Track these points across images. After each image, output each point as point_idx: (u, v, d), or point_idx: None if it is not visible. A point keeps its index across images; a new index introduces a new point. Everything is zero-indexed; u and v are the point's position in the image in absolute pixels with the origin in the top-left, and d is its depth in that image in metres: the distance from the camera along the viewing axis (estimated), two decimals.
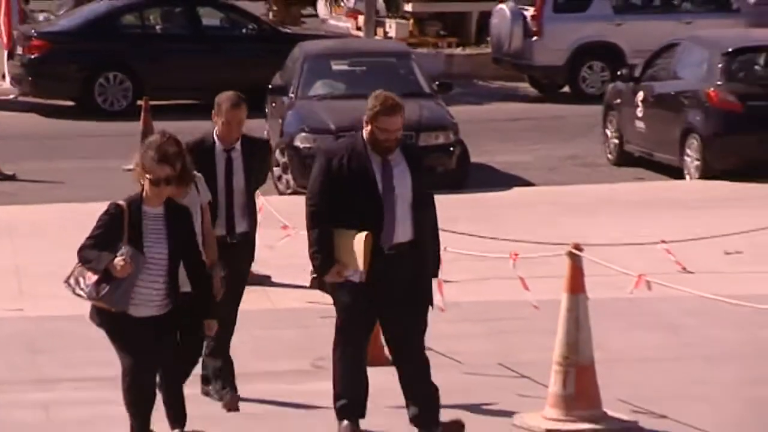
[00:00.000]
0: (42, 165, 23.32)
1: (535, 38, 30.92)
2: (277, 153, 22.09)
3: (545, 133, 26.55)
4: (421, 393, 9.99)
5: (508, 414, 10.63)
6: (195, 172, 10.12)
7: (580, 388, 10.27)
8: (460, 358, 10.10)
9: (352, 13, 36.56)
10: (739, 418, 10.13)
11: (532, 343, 11.50)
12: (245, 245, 11.22)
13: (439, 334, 11.30)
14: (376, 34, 34.74)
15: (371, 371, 10.25)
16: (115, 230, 9.41)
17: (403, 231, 9.90)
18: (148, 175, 9.35)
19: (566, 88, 30.78)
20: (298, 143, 21.68)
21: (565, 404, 10.22)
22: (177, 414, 9.84)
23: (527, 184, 21.99)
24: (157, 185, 9.34)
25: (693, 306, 12.26)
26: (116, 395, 10.33)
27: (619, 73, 25.24)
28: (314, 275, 10.24)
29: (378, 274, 9.76)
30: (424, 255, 10.00)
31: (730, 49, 22.61)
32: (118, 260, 9.22)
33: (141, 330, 9.46)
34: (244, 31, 30.11)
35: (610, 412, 10.35)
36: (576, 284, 10.31)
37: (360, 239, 9.65)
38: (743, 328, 11.84)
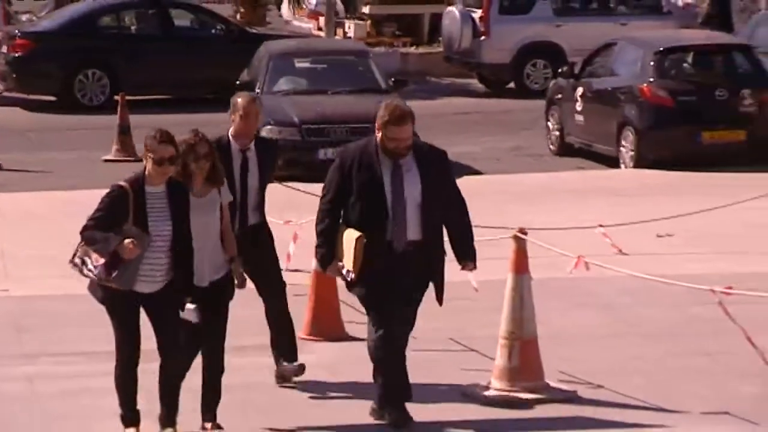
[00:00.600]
0: (26, 156, 23.19)
1: (482, 38, 30.98)
2: None
3: (492, 126, 26.57)
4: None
5: (458, 385, 10.66)
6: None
7: (524, 361, 10.32)
8: (415, 335, 10.08)
9: (314, 15, 36.60)
10: (669, 388, 10.18)
11: (480, 320, 11.53)
12: (260, 233, 10.87)
13: None
14: (336, 34, 34.81)
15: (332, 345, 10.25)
16: (118, 210, 9.10)
17: (411, 232, 9.68)
18: (150, 155, 9.14)
19: (512, 85, 30.82)
20: (264, 135, 21.64)
21: (510, 376, 10.28)
22: (208, 406, 9.69)
23: (476, 172, 21.97)
24: (160, 164, 9.11)
25: (628, 285, 12.28)
26: (98, 369, 10.34)
27: (560, 70, 25.29)
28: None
29: (387, 271, 9.59)
30: (430, 254, 9.80)
31: (661, 49, 22.72)
32: (127, 243, 8.94)
33: (138, 308, 9.25)
34: (213, 31, 30.14)
35: (551, 383, 10.42)
36: (520, 265, 10.37)
37: (351, 240, 9.56)
38: (675, 305, 11.89)
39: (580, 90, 23.16)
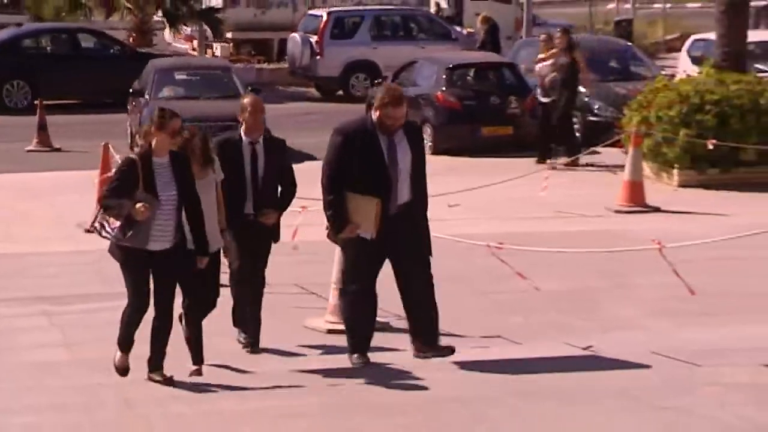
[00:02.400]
0: None
1: (318, 57, 31.15)
2: (137, 138, 22.04)
3: (326, 124, 26.11)
4: (426, 315, 9.13)
5: (301, 319, 10.69)
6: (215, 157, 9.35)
7: None
8: (268, 281, 10.07)
9: (189, 38, 36.80)
10: (458, 319, 10.23)
11: (320, 271, 11.52)
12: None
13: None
14: (206, 53, 34.91)
15: None
16: (130, 180, 8.40)
17: (402, 195, 8.95)
18: (162, 130, 8.49)
19: (340, 92, 30.98)
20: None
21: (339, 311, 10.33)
22: (197, 352, 9.09)
23: (314, 159, 22.08)
24: (173, 136, 8.56)
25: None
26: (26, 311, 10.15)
27: (376, 81, 25.49)
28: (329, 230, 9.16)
29: (384, 230, 8.82)
30: (418, 212, 9.09)
31: (450, 65, 23.00)
32: (139, 206, 8.27)
33: (152, 264, 8.54)
34: (111, 51, 29.91)
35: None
36: None
37: (372, 205, 8.78)
38: (462, 257, 12.02)
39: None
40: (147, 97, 22.49)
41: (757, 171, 17.29)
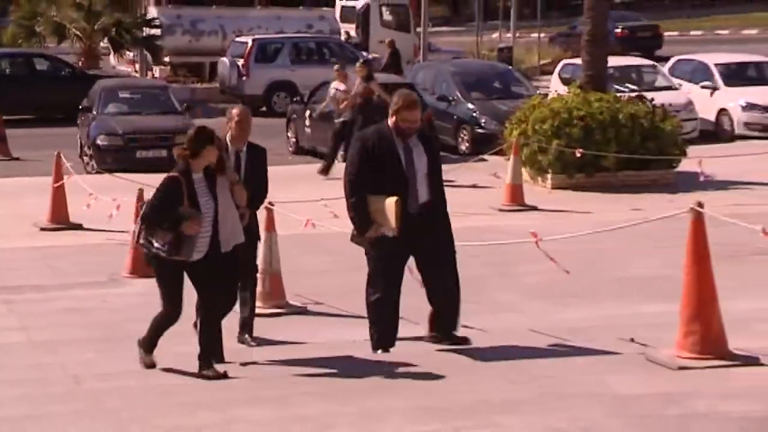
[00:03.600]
0: None
1: (244, 78, 31.34)
2: (86, 148, 21.94)
3: (257, 136, 26.36)
4: (449, 309, 8.58)
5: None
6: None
7: (273, 287, 10.32)
8: None
9: (131, 62, 36.62)
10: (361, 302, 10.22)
11: None
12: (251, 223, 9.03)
13: None
14: (146, 75, 34.76)
15: None
16: (174, 196, 7.80)
17: (422, 195, 8.32)
18: (213, 145, 7.96)
19: (264, 109, 30.90)
20: (98, 142, 21.46)
21: (264, 298, 10.27)
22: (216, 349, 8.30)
23: None
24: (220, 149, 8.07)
25: (338, 238, 12.36)
26: None
27: (294, 99, 25.59)
28: (354, 233, 8.48)
29: (408, 229, 8.13)
30: (439, 210, 8.44)
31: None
32: (191, 222, 7.72)
33: (189, 272, 7.96)
34: (63, 73, 29.89)
35: (290, 302, 10.43)
36: (270, 225, 10.39)
37: (392, 204, 8.09)
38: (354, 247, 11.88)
39: (307, 112, 23.35)
40: (94, 112, 22.55)
41: (615, 175, 17.60)
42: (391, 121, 8.38)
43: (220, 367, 7.97)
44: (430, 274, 8.44)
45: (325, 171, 19.35)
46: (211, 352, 8.05)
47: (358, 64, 20.51)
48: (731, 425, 6.10)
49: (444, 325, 8.60)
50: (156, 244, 7.81)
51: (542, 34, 42.70)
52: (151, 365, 8.16)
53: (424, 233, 8.28)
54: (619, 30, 41.15)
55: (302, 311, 10.32)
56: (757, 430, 6.00)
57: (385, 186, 8.18)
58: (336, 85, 20.18)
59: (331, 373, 7.89)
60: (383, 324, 8.41)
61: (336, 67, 21.63)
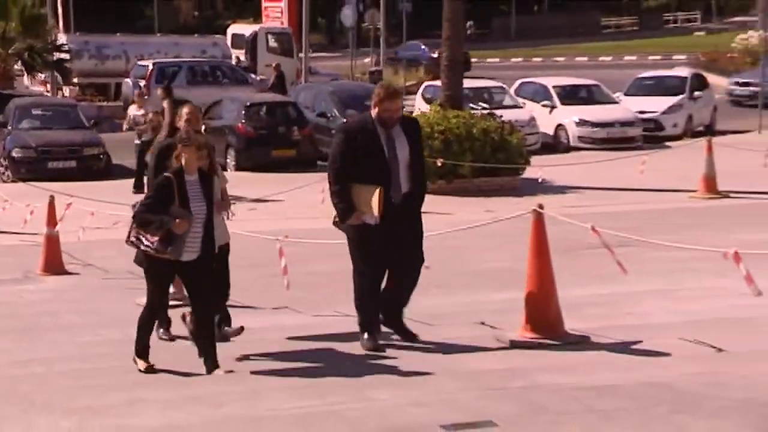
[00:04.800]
0: None
1: (146, 97, 30.81)
2: (2, 159, 21.45)
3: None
4: (410, 287, 7.95)
5: (133, 297, 10.27)
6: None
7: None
8: (109, 269, 9.77)
9: (43, 83, 36.13)
10: (252, 294, 10.13)
11: None
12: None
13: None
14: (57, 94, 34.31)
15: None
16: (166, 196, 7.16)
17: (404, 185, 7.68)
18: (192, 146, 7.26)
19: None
20: (13, 154, 21.13)
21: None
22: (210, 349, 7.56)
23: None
24: (198, 149, 7.29)
25: (241, 238, 12.23)
26: None
27: None
28: (336, 219, 7.81)
29: (388, 217, 7.52)
30: (416, 200, 7.79)
31: (248, 103, 23.00)
32: (180, 222, 7.07)
33: (180, 273, 7.38)
34: None
35: None
36: None
37: (375, 193, 7.48)
38: (258, 248, 11.62)
39: (203, 127, 23.11)
40: (9, 127, 22.21)
41: (470, 182, 17.85)
42: (373, 112, 7.71)
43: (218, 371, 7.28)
44: (403, 253, 7.78)
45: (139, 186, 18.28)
46: (213, 353, 7.33)
47: (159, 89, 19.75)
48: (565, 395, 6.24)
49: (394, 310, 7.96)
50: (145, 242, 7.24)
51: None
52: (150, 369, 7.40)
53: (405, 219, 7.70)
54: (435, 54, 42.30)
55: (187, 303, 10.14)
56: (587, 398, 6.15)
57: (368, 176, 7.55)
58: (135, 110, 19.74)
59: (230, 358, 7.78)
60: (367, 307, 7.80)
61: (136, 92, 21.56)
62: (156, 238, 7.16)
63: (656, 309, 9.08)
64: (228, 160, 21.99)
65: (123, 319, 9.53)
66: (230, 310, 8.52)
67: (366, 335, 7.81)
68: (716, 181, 16.70)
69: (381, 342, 7.81)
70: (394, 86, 8.06)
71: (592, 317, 8.68)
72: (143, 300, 10.02)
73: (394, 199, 7.61)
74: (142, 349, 7.48)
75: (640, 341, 7.69)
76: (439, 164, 16.97)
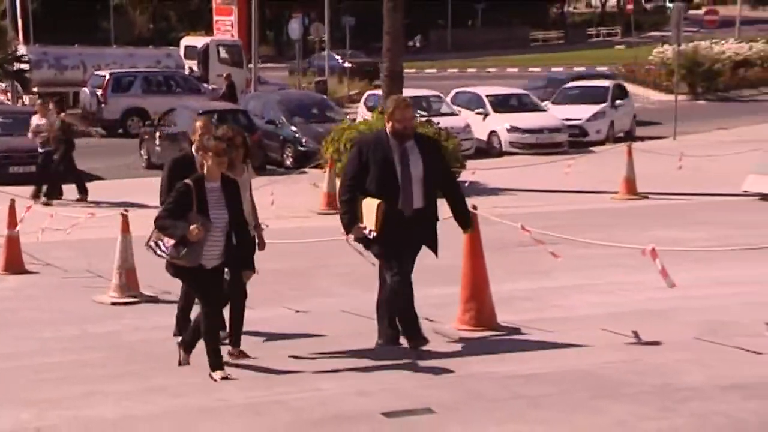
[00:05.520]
0: None
1: (103, 105, 30.68)
2: None
3: (110, 154, 25.78)
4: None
5: (90, 294, 10.27)
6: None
7: (128, 280, 10.10)
8: (67, 268, 9.63)
9: (4, 91, 35.65)
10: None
11: (108, 258, 11.09)
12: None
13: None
14: (17, 102, 33.90)
15: None
16: (185, 203, 6.64)
17: (416, 200, 7.14)
18: (210, 153, 6.73)
19: (120, 131, 30.22)
20: None
21: (121, 289, 10.04)
22: (236, 337, 7.40)
23: (101, 179, 21.45)
24: (218, 155, 6.72)
25: None
26: None
27: (146, 123, 25.07)
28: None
29: (399, 232, 7.06)
30: (431, 217, 7.26)
31: (201, 111, 22.68)
32: (193, 228, 6.55)
33: (210, 277, 6.76)
34: None
35: (144, 292, 10.16)
36: (125, 228, 10.12)
37: (373, 206, 7.06)
38: None
39: (158, 133, 22.92)
40: None
41: None
42: (387, 126, 7.25)
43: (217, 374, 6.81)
44: (405, 270, 7.29)
45: (36, 195, 17.87)
46: (219, 353, 6.85)
47: (51, 102, 19.35)
48: (497, 383, 6.29)
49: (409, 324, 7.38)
50: (162, 247, 6.75)
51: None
52: (186, 364, 7.02)
53: (417, 235, 7.21)
54: (347, 64, 43.08)
55: (154, 300, 10.10)
56: (516, 385, 6.20)
57: (378, 189, 7.10)
58: (37, 120, 19.14)
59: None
60: (406, 309, 7.29)
61: (37, 102, 21.30)
62: (171, 243, 6.71)
63: (581, 302, 9.19)
64: None
65: (81, 315, 9.44)
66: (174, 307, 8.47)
67: (380, 341, 7.37)
68: (635, 184, 16.95)
69: (426, 339, 7.31)
70: (403, 96, 7.56)
71: (522, 310, 8.76)
72: (101, 297, 9.98)
73: (406, 213, 7.11)
74: (213, 361, 6.79)
75: (566, 332, 7.77)
76: None
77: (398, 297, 7.21)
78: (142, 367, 7.24)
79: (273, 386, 6.46)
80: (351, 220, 7.16)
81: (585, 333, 7.70)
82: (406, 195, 7.13)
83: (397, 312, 7.32)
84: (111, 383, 6.75)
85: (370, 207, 7.09)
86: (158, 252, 6.79)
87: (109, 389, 6.58)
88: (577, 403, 5.74)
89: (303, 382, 6.60)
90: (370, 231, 7.11)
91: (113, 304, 9.89)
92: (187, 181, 6.75)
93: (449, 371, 6.68)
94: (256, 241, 7.54)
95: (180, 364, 7.08)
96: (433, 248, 7.32)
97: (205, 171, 6.77)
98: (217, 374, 6.72)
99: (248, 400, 6.11)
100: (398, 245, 7.13)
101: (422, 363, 6.97)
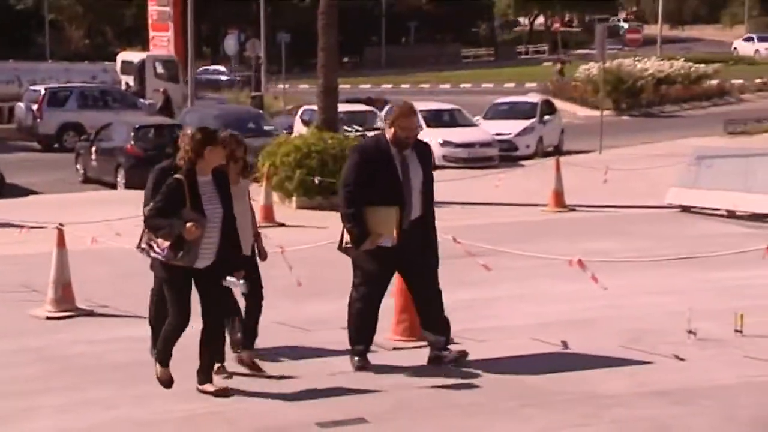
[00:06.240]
0: None
1: (38, 120, 30.32)
2: None
3: (46, 168, 25.33)
4: (437, 321, 7.12)
5: (26, 309, 9.98)
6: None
7: (64, 294, 9.84)
8: (6, 283, 9.35)
9: None
10: None
11: (42, 274, 10.81)
12: None
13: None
14: None
15: None
16: (176, 199, 6.09)
17: (414, 210, 6.87)
18: (218, 146, 6.29)
19: (56, 146, 29.80)
20: None
21: (57, 303, 9.81)
22: (251, 341, 7.16)
23: (36, 193, 21.03)
24: (225, 147, 6.38)
25: (118, 252, 11.89)
26: None
27: (82, 137, 24.76)
28: (347, 244, 6.92)
29: (399, 243, 6.77)
30: (429, 226, 6.96)
31: (137, 126, 22.60)
32: (189, 226, 6.01)
33: (199, 278, 6.23)
34: None
35: (79, 305, 9.89)
36: (61, 242, 9.91)
37: (391, 213, 6.70)
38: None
39: (94, 148, 22.66)
40: None
41: None
42: (388, 132, 6.89)
43: (221, 383, 6.54)
44: (414, 284, 7.09)
45: None
46: (212, 367, 6.48)
47: None
48: (428, 392, 6.32)
49: (435, 339, 7.12)
50: (156, 249, 6.21)
51: (286, 86, 42.96)
52: (167, 379, 6.42)
53: (415, 247, 6.87)
54: (238, 78, 44.44)
55: (90, 313, 9.91)
56: (447, 395, 6.25)
57: (381, 199, 6.74)
58: None
59: (121, 364, 7.61)
60: (364, 329, 7.09)
61: None
62: (166, 245, 6.15)
63: (513, 312, 9.28)
64: (118, 179, 21.51)
65: (17, 330, 9.23)
66: (125, 320, 8.34)
67: (357, 358, 7.09)
68: (564, 196, 17.19)
69: (370, 363, 7.11)
70: (408, 103, 7.13)
71: (455, 321, 8.77)
72: (37, 312, 9.75)
73: (404, 224, 6.80)
74: (162, 356, 6.40)
75: (498, 341, 7.84)
76: (317, 182, 17.01)
77: (359, 322, 7.04)
78: (79, 381, 7.12)
79: (210, 398, 6.40)
80: (363, 231, 6.74)
81: (516, 342, 7.78)
82: (406, 205, 6.83)
83: (354, 332, 7.13)
84: (47, 397, 6.64)
85: (387, 214, 6.70)
86: (152, 254, 6.28)
87: (46, 403, 6.47)
88: (504, 412, 5.80)
89: (239, 393, 6.56)
90: (391, 238, 6.69)
91: (48, 318, 9.68)
92: (177, 176, 6.19)
93: (381, 382, 6.69)
94: (257, 251, 7.25)
95: (161, 379, 6.47)
96: (434, 256, 7.01)
97: (197, 164, 6.20)
98: (209, 387, 6.41)
99: (185, 412, 6.05)
100: (385, 260, 6.83)
101: (356, 374, 6.97)
